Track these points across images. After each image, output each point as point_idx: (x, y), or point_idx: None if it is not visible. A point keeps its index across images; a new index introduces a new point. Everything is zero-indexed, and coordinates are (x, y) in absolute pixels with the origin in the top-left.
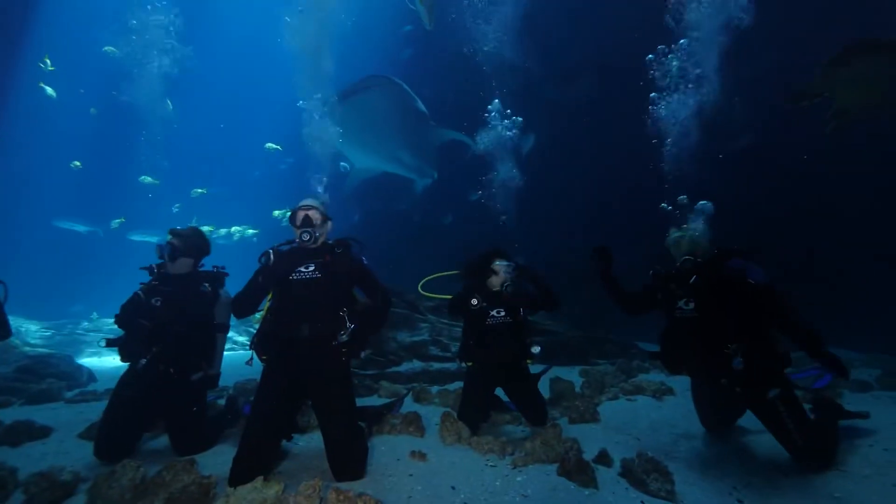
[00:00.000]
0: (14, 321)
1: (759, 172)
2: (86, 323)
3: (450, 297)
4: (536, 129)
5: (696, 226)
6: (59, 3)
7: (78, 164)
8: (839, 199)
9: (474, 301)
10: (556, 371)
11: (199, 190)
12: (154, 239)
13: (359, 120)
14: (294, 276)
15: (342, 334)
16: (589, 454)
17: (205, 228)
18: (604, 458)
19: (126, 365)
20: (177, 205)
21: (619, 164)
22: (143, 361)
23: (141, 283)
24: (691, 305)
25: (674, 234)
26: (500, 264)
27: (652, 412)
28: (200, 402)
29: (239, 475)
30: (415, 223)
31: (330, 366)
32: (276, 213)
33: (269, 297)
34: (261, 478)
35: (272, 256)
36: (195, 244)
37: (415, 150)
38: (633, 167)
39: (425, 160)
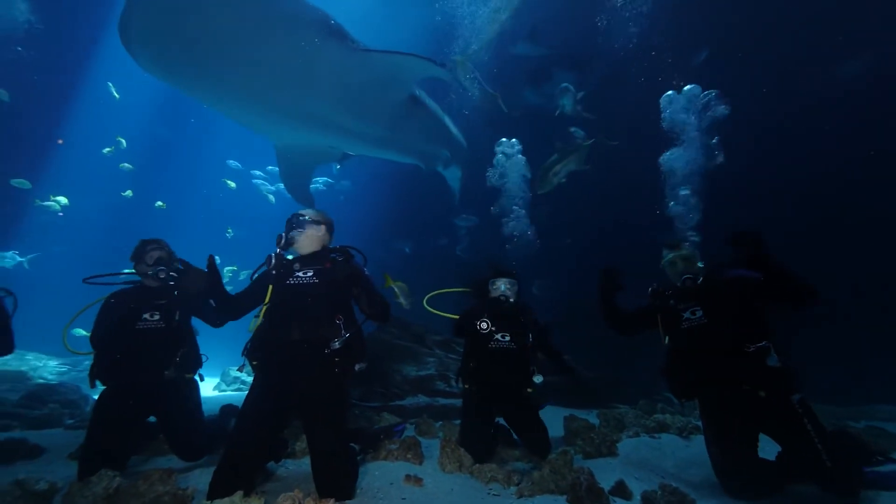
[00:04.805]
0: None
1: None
2: None
3: (457, 316)
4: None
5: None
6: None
7: (129, 192)
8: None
9: (483, 325)
10: (571, 411)
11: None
12: (9, 263)
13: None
14: (291, 281)
15: (335, 341)
16: (605, 486)
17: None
18: (622, 490)
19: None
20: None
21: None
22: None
23: (111, 300)
24: (699, 313)
25: (668, 255)
26: (501, 281)
27: (679, 451)
28: (196, 400)
29: (218, 488)
30: (457, 257)
31: (321, 373)
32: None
33: (266, 302)
34: (240, 492)
35: (273, 260)
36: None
37: (341, 99)
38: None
39: (380, 120)
